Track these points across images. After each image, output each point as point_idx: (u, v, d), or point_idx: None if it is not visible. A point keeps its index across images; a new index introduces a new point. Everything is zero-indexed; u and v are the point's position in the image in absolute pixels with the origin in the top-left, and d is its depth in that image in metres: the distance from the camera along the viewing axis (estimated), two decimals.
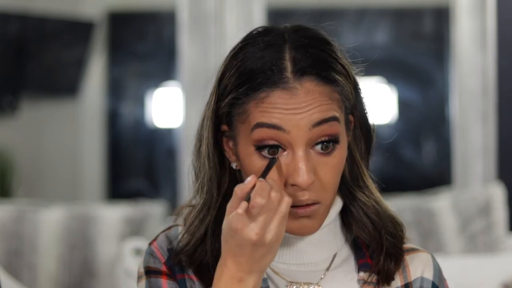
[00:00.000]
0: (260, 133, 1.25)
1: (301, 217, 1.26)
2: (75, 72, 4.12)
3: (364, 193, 1.35)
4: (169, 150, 3.87)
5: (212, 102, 1.30)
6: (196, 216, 1.32)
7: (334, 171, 1.27)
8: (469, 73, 3.18)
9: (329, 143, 1.26)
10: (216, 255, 1.29)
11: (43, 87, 4.15)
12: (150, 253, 1.34)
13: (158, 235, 1.37)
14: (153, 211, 2.82)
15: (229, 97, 1.27)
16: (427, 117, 3.92)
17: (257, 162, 1.26)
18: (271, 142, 1.25)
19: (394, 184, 3.68)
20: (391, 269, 1.32)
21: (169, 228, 1.37)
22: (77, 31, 4.10)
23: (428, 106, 3.91)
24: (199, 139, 1.33)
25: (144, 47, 4.22)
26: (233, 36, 3.07)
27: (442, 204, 2.81)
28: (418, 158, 3.89)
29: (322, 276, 1.32)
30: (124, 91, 4.33)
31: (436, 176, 3.84)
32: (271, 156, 1.25)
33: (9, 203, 3.04)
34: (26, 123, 4.11)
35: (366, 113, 1.35)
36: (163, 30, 4.03)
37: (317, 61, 1.26)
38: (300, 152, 1.24)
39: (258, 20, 3.13)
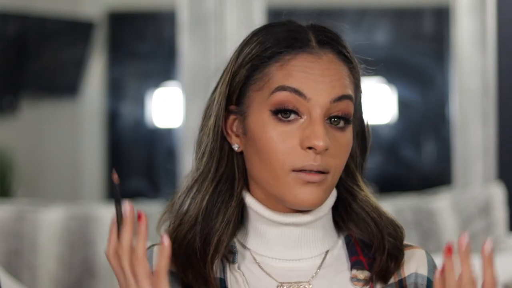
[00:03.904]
0: (281, 96, 1.26)
1: (309, 182, 1.26)
2: (75, 72, 4.12)
3: (364, 192, 1.35)
4: (169, 150, 3.87)
5: (227, 78, 1.31)
6: (191, 187, 1.33)
7: (344, 148, 1.28)
8: (469, 73, 3.18)
9: (342, 120, 1.28)
10: (204, 240, 1.29)
11: (43, 87, 4.15)
12: None
13: None
14: (153, 211, 2.82)
15: (249, 63, 1.29)
16: (427, 117, 3.92)
17: (271, 127, 1.26)
18: (290, 107, 1.26)
19: (394, 184, 3.68)
20: (391, 269, 1.32)
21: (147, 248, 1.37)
22: (77, 31, 4.10)
23: (428, 106, 3.91)
24: (208, 116, 1.33)
25: (144, 47, 4.22)
26: (233, 36, 3.07)
27: (442, 204, 2.81)
28: (418, 158, 3.90)
29: (314, 275, 1.32)
30: (124, 91, 4.33)
31: (436, 176, 3.84)
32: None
33: (9, 203, 3.04)
34: (26, 123, 4.11)
35: (365, 124, 1.36)
36: (163, 30, 4.03)
37: (337, 42, 1.30)
38: (318, 118, 1.25)
39: (258, 20, 3.13)
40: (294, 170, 1.26)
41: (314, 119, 1.25)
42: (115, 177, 1.22)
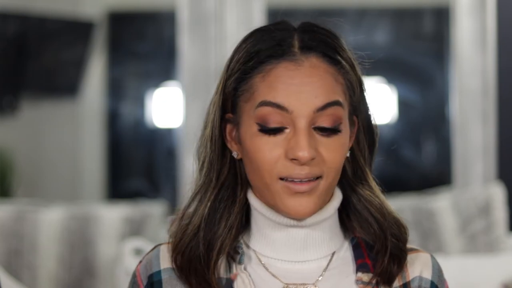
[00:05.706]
0: (264, 111, 1.25)
1: (297, 193, 1.26)
2: (75, 72, 4.12)
3: (370, 192, 1.34)
4: (169, 150, 3.87)
5: (220, 87, 1.31)
6: (193, 198, 1.33)
7: (336, 153, 1.27)
8: (469, 73, 3.18)
9: (329, 130, 1.26)
10: (207, 246, 1.29)
11: (43, 87, 4.15)
12: (134, 279, 1.35)
13: (143, 258, 1.37)
14: (153, 211, 2.82)
15: (236, 74, 1.29)
16: (427, 117, 3.92)
17: (259, 138, 1.26)
18: (274, 124, 1.26)
19: (394, 184, 3.68)
20: (394, 271, 1.32)
21: (153, 249, 1.37)
22: (77, 31, 4.10)
23: (428, 106, 3.91)
24: (205, 126, 1.33)
25: (144, 47, 4.22)
26: (233, 36, 3.07)
27: (442, 204, 2.81)
28: (418, 158, 3.89)
29: (319, 278, 1.32)
30: (124, 91, 4.33)
31: (436, 176, 3.84)
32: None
33: (9, 203, 3.04)
34: (26, 123, 4.11)
35: (371, 117, 1.35)
36: (163, 30, 4.03)
37: (324, 43, 1.29)
38: (302, 128, 1.24)
39: (258, 20, 3.13)
40: (281, 178, 1.26)
41: (298, 130, 1.25)
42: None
